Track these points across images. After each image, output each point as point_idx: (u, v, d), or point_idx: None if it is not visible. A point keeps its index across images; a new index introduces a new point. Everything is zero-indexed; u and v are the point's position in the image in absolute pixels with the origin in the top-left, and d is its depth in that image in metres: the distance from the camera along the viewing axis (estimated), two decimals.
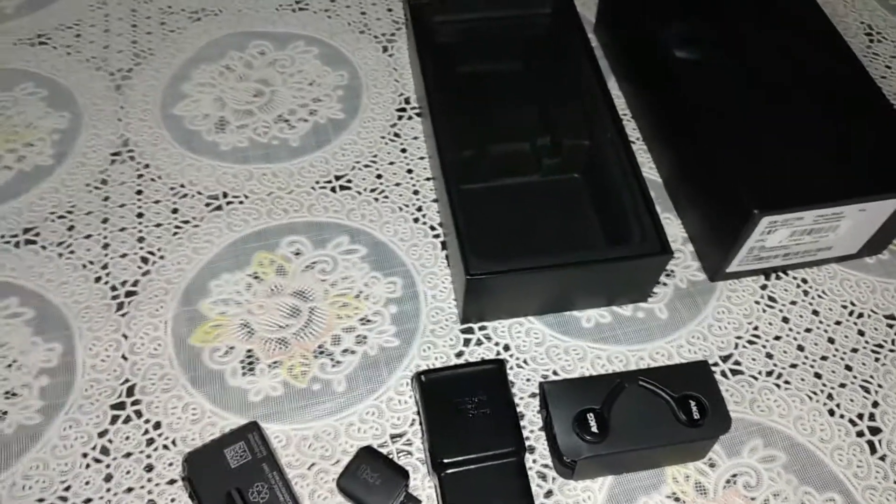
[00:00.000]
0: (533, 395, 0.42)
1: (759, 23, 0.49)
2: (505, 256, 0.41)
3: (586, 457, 0.36)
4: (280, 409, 0.41)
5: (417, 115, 0.54)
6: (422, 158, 0.51)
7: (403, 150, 0.52)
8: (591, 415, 0.37)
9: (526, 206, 0.48)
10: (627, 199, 0.44)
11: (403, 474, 0.37)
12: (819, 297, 0.46)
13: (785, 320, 0.45)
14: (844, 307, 0.46)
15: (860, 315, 0.46)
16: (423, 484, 0.39)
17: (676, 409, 0.37)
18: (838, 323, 0.45)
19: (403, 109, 0.54)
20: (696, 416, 0.37)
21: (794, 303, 0.46)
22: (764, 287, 0.46)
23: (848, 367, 0.44)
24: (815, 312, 0.46)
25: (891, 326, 0.45)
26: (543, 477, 0.39)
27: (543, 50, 0.53)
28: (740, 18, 0.50)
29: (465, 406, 0.38)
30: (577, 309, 0.45)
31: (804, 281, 0.47)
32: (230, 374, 0.42)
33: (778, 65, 0.47)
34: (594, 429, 0.37)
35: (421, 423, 0.39)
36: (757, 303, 0.46)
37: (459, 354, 0.43)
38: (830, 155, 0.43)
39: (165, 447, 0.39)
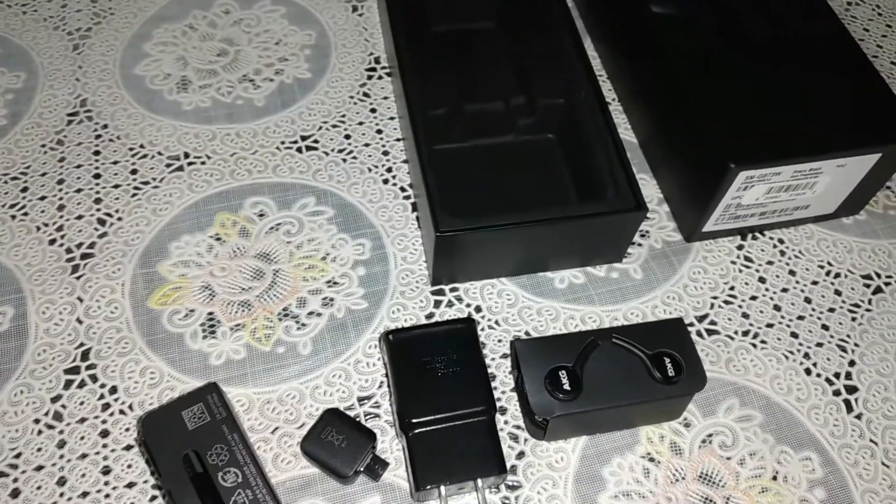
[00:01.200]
0: (505, 356, 0.41)
1: None
2: (476, 215, 0.40)
3: (558, 415, 0.35)
4: (243, 372, 0.39)
5: (388, 74, 0.52)
6: (392, 119, 0.50)
7: (373, 111, 0.50)
8: (564, 372, 0.36)
9: (499, 167, 0.47)
10: (602, 157, 0.43)
11: (370, 436, 0.36)
12: (796, 257, 0.46)
13: (761, 280, 0.44)
14: (821, 267, 0.45)
15: (837, 275, 0.45)
16: (391, 446, 0.37)
17: (651, 367, 0.36)
18: (815, 283, 0.45)
19: (373, 69, 0.53)
20: (671, 373, 0.36)
21: (770, 263, 0.45)
22: (740, 247, 0.46)
23: (825, 327, 0.43)
24: (792, 273, 0.45)
25: (867, 286, 0.45)
26: (515, 438, 0.38)
27: (518, 8, 0.51)
28: None
29: (433, 365, 0.37)
30: (550, 270, 0.44)
31: (781, 241, 0.46)
32: (190, 337, 0.40)
33: (757, 21, 0.46)
34: (566, 386, 0.36)
35: (389, 385, 0.38)
36: (733, 263, 0.45)
37: (430, 316, 0.42)
38: (810, 111, 0.42)
39: (122, 412, 0.38)
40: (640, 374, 0.36)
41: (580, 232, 0.41)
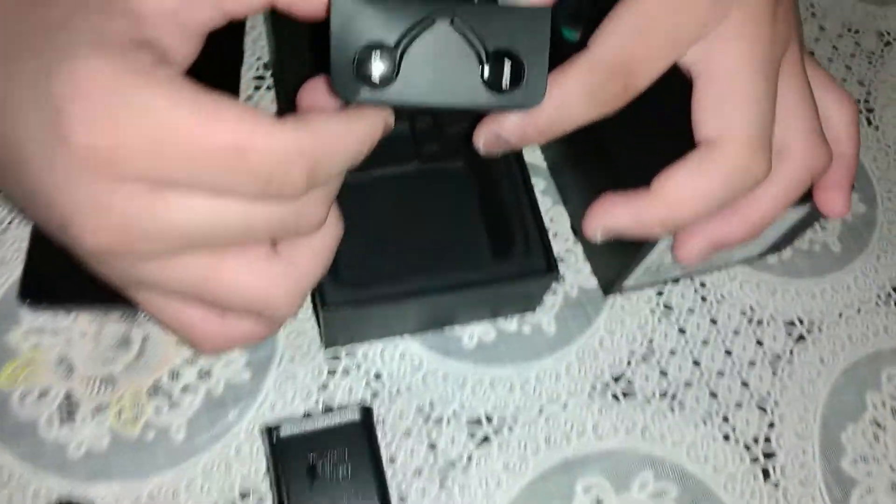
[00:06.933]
0: (406, 435, 0.37)
1: None
2: (369, 278, 0.35)
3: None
4: (106, 465, 0.35)
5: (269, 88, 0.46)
6: None
7: None
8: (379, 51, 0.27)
9: (402, 203, 0.42)
10: (511, 199, 0.38)
11: None
12: (717, 302, 0.43)
13: (681, 331, 0.42)
14: (743, 313, 0.43)
15: (759, 322, 0.43)
16: None
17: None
18: (736, 333, 0.42)
19: (262, 77, 0.46)
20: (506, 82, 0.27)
21: (691, 311, 0.42)
22: (660, 293, 0.43)
23: (744, 384, 0.41)
24: (713, 321, 0.42)
25: (789, 334, 0.43)
26: None
27: None
28: None
29: (320, 465, 0.33)
30: (458, 324, 0.40)
31: (702, 285, 0.43)
32: (45, 425, 0.35)
33: None
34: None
35: (271, 485, 0.34)
36: (652, 312, 0.42)
37: (324, 387, 0.38)
38: None
39: None
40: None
41: (484, 293, 0.37)
